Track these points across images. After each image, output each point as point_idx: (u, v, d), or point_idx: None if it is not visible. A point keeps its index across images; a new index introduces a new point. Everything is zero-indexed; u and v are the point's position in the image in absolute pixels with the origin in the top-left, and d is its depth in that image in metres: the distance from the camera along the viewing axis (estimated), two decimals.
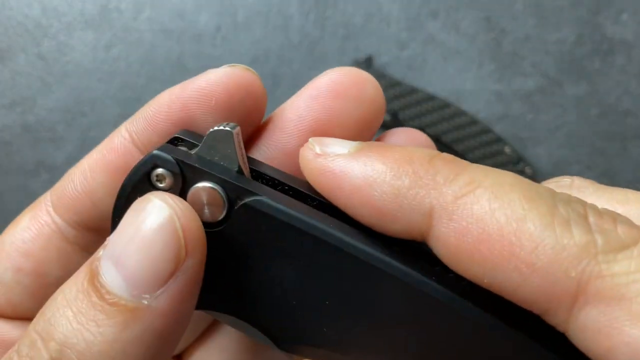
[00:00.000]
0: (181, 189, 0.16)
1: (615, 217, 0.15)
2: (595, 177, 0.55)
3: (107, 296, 0.15)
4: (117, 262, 0.15)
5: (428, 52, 0.57)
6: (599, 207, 0.15)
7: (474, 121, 0.54)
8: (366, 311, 0.16)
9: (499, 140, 0.54)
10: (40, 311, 0.16)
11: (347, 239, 0.16)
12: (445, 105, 0.54)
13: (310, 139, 0.17)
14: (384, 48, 0.57)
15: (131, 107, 0.58)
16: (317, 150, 0.17)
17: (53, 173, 0.58)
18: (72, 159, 0.58)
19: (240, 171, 0.17)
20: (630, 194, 0.17)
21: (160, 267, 0.15)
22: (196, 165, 0.16)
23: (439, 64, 0.57)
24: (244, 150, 0.17)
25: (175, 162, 0.16)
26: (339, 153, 0.16)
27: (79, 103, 0.58)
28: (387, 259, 0.16)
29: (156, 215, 0.15)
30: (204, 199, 0.16)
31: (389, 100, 0.55)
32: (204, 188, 0.16)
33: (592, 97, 0.56)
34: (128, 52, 0.59)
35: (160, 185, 0.17)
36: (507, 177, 0.15)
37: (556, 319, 0.14)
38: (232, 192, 0.16)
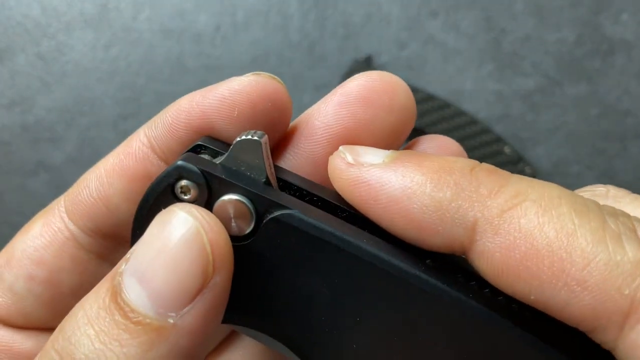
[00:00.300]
0: (206, 201, 0.16)
1: None
2: (595, 177, 0.55)
3: (131, 314, 0.14)
4: (142, 278, 0.14)
5: (428, 52, 0.57)
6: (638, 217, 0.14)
7: (473, 121, 0.54)
8: (400, 329, 0.15)
9: (498, 140, 0.54)
10: (59, 327, 0.15)
11: (382, 254, 0.15)
12: (445, 105, 0.54)
13: (340, 147, 0.17)
14: (384, 48, 0.57)
15: (130, 107, 0.58)
16: (349, 159, 0.16)
17: (52, 173, 0.58)
18: (72, 159, 0.58)
19: (268, 182, 0.16)
20: None
21: (188, 284, 0.14)
22: (223, 177, 0.15)
23: (438, 64, 0.57)
24: (271, 160, 0.16)
25: (200, 174, 0.15)
26: (373, 163, 0.16)
27: (78, 103, 0.58)
28: (423, 275, 0.15)
29: (183, 229, 0.14)
30: (231, 212, 0.16)
31: None
32: (231, 201, 0.15)
33: (592, 97, 0.56)
34: (127, 52, 0.59)
35: (185, 197, 0.16)
36: (554, 190, 0.14)
37: (605, 337, 0.14)
38: (261, 205, 0.15)
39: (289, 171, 0.18)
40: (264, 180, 0.16)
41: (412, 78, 0.57)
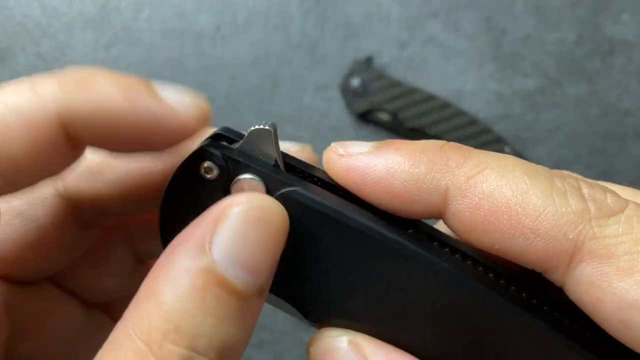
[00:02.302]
0: (226, 180, 0.18)
1: (605, 189, 0.17)
2: (595, 176, 0.55)
3: (242, 298, 0.17)
4: (246, 265, 0.17)
5: (428, 52, 0.57)
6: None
7: (474, 121, 0.54)
8: (384, 285, 0.18)
9: (499, 140, 0.54)
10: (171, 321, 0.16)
11: (371, 224, 0.18)
12: (446, 105, 0.54)
13: (332, 144, 0.19)
14: (384, 48, 0.57)
15: None
16: (341, 151, 0.19)
17: None
18: None
19: (276, 165, 0.19)
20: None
21: (276, 260, 0.17)
22: (240, 159, 0.18)
23: (439, 64, 0.57)
24: (279, 147, 0.19)
25: (222, 156, 0.18)
26: (360, 152, 0.18)
27: None
28: (404, 241, 0.18)
29: (279, 219, 0.17)
30: (246, 189, 0.18)
31: (389, 100, 0.55)
32: (246, 180, 0.18)
33: (592, 97, 0.56)
34: (128, 52, 0.59)
35: (208, 176, 0.18)
36: (509, 159, 0.18)
37: (556, 275, 0.17)
38: (271, 183, 0.18)
39: (293, 157, 0.20)
40: (273, 163, 0.18)
41: (412, 78, 0.57)
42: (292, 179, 0.18)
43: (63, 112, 0.16)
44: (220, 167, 0.18)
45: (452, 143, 0.19)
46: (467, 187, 0.17)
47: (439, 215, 0.18)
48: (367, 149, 0.19)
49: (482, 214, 0.17)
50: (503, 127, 0.56)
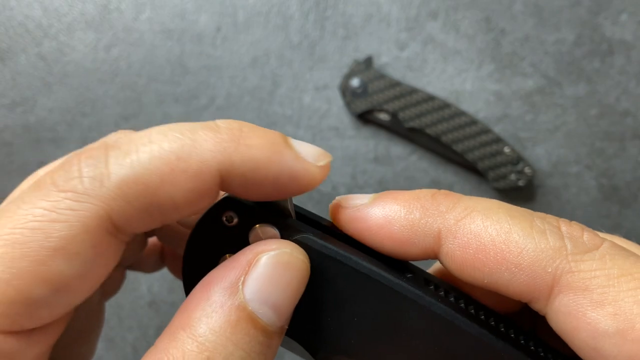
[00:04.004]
0: (244, 228, 0.20)
1: (582, 228, 0.19)
2: (594, 177, 0.55)
3: (268, 335, 0.19)
4: (275, 306, 0.19)
5: (427, 53, 0.57)
6: None
7: (473, 121, 0.54)
8: (385, 326, 0.20)
9: (498, 140, 0.54)
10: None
11: (374, 268, 0.20)
12: (445, 105, 0.54)
13: (337, 198, 0.22)
14: (384, 48, 0.57)
15: (132, 107, 0.58)
16: (344, 204, 0.21)
17: None
18: None
19: (289, 215, 0.21)
20: None
21: (297, 301, 0.20)
22: (258, 208, 0.20)
23: (438, 65, 0.57)
24: (292, 199, 0.21)
25: (242, 206, 0.20)
26: (362, 203, 0.21)
27: (80, 103, 0.59)
28: (404, 284, 0.20)
29: (301, 265, 0.20)
30: (262, 235, 0.20)
31: (388, 100, 0.55)
32: (263, 227, 0.20)
33: (591, 97, 0.56)
34: (128, 53, 0.59)
35: (229, 223, 0.20)
36: (494, 203, 0.20)
37: (539, 306, 0.19)
38: (285, 230, 0.20)
39: (303, 208, 0.22)
40: (287, 213, 0.21)
41: (412, 78, 0.57)
42: (303, 227, 0.21)
43: (224, 167, 0.18)
44: (240, 215, 0.20)
45: (443, 191, 0.21)
46: (457, 229, 0.19)
47: (435, 256, 0.20)
48: (367, 200, 0.21)
49: (471, 251, 0.19)
50: (502, 127, 0.56)
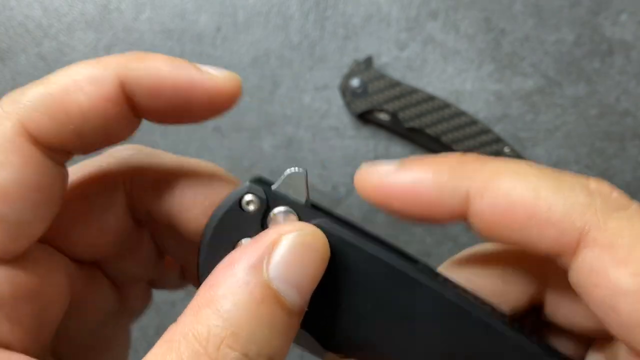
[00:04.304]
0: (264, 212, 0.21)
1: (612, 187, 0.19)
2: (594, 176, 0.55)
3: (290, 314, 0.19)
4: (299, 286, 0.19)
5: (427, 53, 0.57)
6: None
7: (473, 121, 0.54)
8: (398, 312, 0.21)
9: (498, 140, 0.54)
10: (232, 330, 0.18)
11: (389, 254, 0.21)
12: (445, 105, 0.54)
13: (362, 165, 0.22)
14: (384, 48, 0.57)
15: None
16: (371, 170, 0.21)
17: None
18: (75, 159, 0.58)
19: (307, 202, 0.22)
20: None
21: (317, 282, 0.20)
22: (277, 194, 0.21)
23: (438, 65, 0.57)
24: (309, 189, 0.22)
25: (262, 190, 0.21)
26: (388, 169, 0.21)
27: None
28: (417, 270, 0.21)
29: (322, 243, 0.20)
30: (282, 220, 0.21)
31: (388, 100, 0.55)
32: (282, 212, 0.21)
33: (591, 98, 0.56)
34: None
35: (249, 207, 0.21)
36: (522, 163, 0.20)
37: (565, 261, 0.19)
38: (303, 215, 0.21)
39: (316, 201, 0.23)
40: (304, 200, 0.21)
41: (412, 78, 0.57)
42: (320, 214, 0.21)
43: (122, 73, 0.19)
44: (260, 200, 0.21)
45: (470, 153, 0.21)
46: (485, 189, 0.19)
47: (463, 217, 0.20)
48: (393, 166, 0.21)
49: (501, 210, 0.19)
50: (502, 127, 0.56)
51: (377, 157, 0.57)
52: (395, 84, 0.55)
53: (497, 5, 0.57)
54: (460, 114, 0.54)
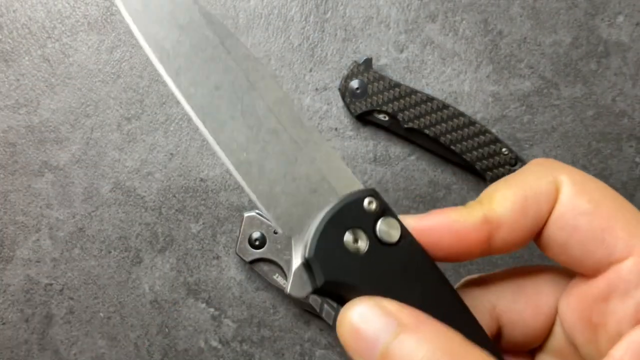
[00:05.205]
0: (376, 217, 0.24)
1: None
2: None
3: None
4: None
5: (426, 54, 0.58)
6: None
7: (472, 122, 0.55)
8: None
9: (496, 141, 0.55)
10: None
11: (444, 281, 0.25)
12: (444, 106, 0.55)
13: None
14: (383, 50, 0.58)
15: (134, 108, 0.59)
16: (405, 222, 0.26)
17: (57, 173, 0.59)
18: (76, 160, 0.59)
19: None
20: None
21: None
22: (388, 206, 0.25)
23: (437, 66, 0.58)
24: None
25: (380, 199, 0.25)
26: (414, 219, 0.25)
27: (83, 104, 0.59)
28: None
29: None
30: (388, 225, 0.24)
31: (388, 101, 0.56)
32: (390, 219, 0.24)
33: (587, 99, 0.56)
34: (131, 54, 0.59)
35: (369, 206, 0.24)
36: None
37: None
38: (403, 229, 0.24)
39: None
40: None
41: (410, 80, 0.58)
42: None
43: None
44: (378, 204, 0.25)
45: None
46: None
47: (487, 243, 0.24)
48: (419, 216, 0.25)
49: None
50: (500, 128, 0.57)
51: (376, 157, 0.57)
52: (395, 85, 0.56)
53: (495, 7, 0.58)
54: (459, 115, 0.55)
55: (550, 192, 0.22)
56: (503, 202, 0.23)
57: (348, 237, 0.23)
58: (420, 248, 0.24)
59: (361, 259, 0.23)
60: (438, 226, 0.24)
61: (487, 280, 0.27)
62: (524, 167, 0.25)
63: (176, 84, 0.23)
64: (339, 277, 0.23)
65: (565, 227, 0.22)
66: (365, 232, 0.24)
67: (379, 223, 0.24)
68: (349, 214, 0.24)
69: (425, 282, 0.24)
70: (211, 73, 0.24)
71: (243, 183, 0.23)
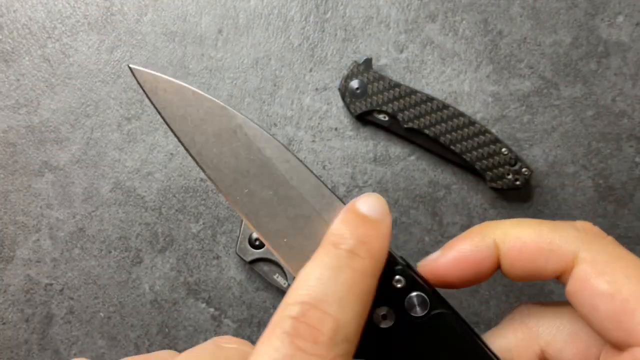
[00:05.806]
0: (403, 292, 0.26)
1: (592, 225, 0.26)
2: (590, 177, 0.56)
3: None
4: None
5: (426, 54, 0.58)
6: None
7: (472, 122, 0.55)
8: None
9: (496, 141, 0.55)
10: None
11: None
12: (444, 106, 0.55)
13: (420, 263, 0.28)
14: (383, 50, 0.58)
15: (134, 108, 0.59)
16: (426, 262, 0.28)
17: (57, 173, 0.59)
18: (76, 160, 0.59)
19: (435, 291, 0.27)
20: None
21: None
22: (418, 280, 0.26)
23: (437, 66, 0.58)
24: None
25: (409, 273, 0.27)
26: (437, 255, 0.28)
27: (83, 104, 0.59)
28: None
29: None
30: (416, 302, 0.26)
31: (387, 101, 0.56)
32: (416, 295, 0.26)
33: (587, 99, 0.57)
34: (131, 54, 0.59)
35: (396, 285, 0.26)
36: (525, 219, 0.27)
37: (564, 279, 0.25)
38: (433, 300, 0.26)
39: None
40: (432, 289, 0.27)
41: (410, 80, 0.58)
42: (447, 304, 0.27)
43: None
44: (406, 279, 0.26)
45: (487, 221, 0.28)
46: (505, 235, 0.26)
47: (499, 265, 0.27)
48: (439, 252, 0.27)
49: (517, 248, 0.26)
50: (500, 128, 0.57)
51: (376, 157, 0.57)
52: (395, 85, 0.56)
53: (495, 7, 0.58)
54: (459, 115, 0.55)
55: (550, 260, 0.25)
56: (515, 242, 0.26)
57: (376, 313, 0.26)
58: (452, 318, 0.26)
59: (387, 333, 0.25)
60: (455, 262, 0.26)
61: (542, 313, 0.29)
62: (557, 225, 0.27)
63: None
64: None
65: (584, 305, 0.24)
66: (392, 307, 0.26)
67: (409, 299, 0.26)
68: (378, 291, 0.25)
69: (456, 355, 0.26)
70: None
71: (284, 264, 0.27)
